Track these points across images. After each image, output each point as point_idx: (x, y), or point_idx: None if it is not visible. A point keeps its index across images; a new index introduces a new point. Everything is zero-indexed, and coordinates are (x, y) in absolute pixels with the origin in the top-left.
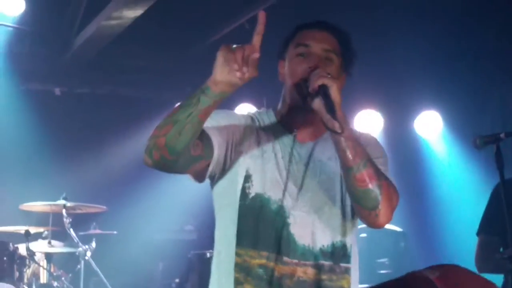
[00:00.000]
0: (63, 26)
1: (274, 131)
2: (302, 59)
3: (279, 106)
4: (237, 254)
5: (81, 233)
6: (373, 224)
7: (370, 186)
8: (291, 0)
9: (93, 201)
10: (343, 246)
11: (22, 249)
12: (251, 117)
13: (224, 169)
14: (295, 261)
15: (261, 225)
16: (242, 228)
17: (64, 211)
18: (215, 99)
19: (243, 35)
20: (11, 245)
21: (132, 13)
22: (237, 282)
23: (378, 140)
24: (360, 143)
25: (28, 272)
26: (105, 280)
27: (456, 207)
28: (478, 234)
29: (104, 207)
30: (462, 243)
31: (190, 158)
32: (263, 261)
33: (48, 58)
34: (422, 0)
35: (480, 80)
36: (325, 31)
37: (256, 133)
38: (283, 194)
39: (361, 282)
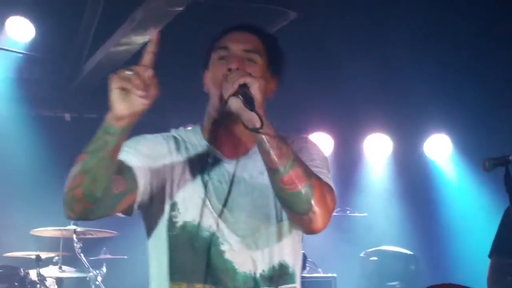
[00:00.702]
0: (73, 52)
1: (200, 150)
2: (223, 62)
3: (205, 121)
4: None
5: (92, 258)
6: (309, 229)
7: (299, 187)
8: (300, 23)
9: (103, 226)
10: (283, 266)
11: (33, 274)
12: (174, 137)
13: (151, 197)
14: None
15: (193, 256)
16: (174, 261)
17: (74, 236)
18: (122, 135)
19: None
20: (22, 270)
21: (141, 38)
22: None
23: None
24: (286, 142)
25: None
26: None
27: (466, 229)
28: (490, 256)
29: (115, 232)
30: (473, 265)
31: (114, 198)
32: None
33: (58, 84)
34: (431, 22)
35: (489, 102)
36: (246, 31)
37: (181, 155)
38: (214, 220)
39: None
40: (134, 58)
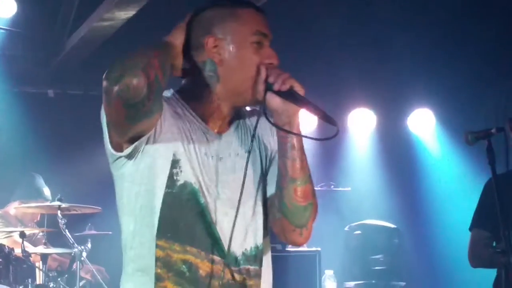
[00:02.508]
0: (55, 28)
1: (186, 116)
2: (257, 49)
3: (193, 90)
4: (158, 247)
5: (77, 234)
6: (295, 241)
7: (306, 203)
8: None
9: (87, 202)
10: (263, 249)
11: (17, 251)
12: (167, 98)
13: (145, 147)
14: (222, 262)
15: (189, 217)
16: (165, 219)
17: (59, 212)
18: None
19: None
20: (6, 247)
21: (124, 14)
22: (157, 278)
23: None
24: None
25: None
26: (101, 281)
27: (449, 203)
28: (470, 229)
29: (99, 208)
30: (455, 238)
31: (160, 104)
32: (188, 256)
33: (41, 60)
34: None
35: (473, 78)
36: (265, 16)
37: (172, 116)
38: (210, 189)
39: (356, 279)
40: (117, 34)
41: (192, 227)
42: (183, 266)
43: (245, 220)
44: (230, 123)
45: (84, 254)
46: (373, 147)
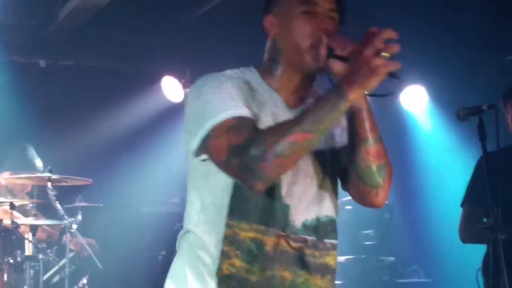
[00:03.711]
0: None
1: (265, 93)
2: (310, 18)
3: (266, 65)
4: (227, 226)
5: (67, 206)
6: (372, 202)
7: (378, 163)
8: None
9: (78, 174)
10: (330, 221)
11: (6, 221)
12: (243, 79)
13: None
14: (283, 233)
15: (255, 197)
16: (236, 198)
17: (49, 183)
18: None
19: (231, 8)
20: None
21: None
22: (225, 255)
23: None
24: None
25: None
26: (91, 253)
27: (440, 178)
28: (462, 205)
29: (90, 179)
30: (446, 214)
31: None
32: (255, 234)
33: (33, 29)
34: None
35: (466, 54)
36: None
37: (251, 94)
38: None
39: (346, 254)
40: (110, 5)
41: (260, 204)
42: (251, 243)
43: (310, 192)
44: (303, 99)
45: (74, 226)
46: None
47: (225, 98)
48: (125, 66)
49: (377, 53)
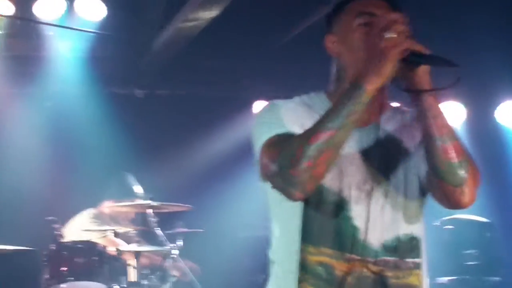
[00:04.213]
0: (143, 30)
1: None
2: (367, 30)
3: (332, 87)
4: (299, 251)
5: (168, 231)
6: (458, 202)
7: (458, 158)
8: None
9: (178, 200)
10: (411, 239)
11: (111, 249)
12: (306, 104)
13: None
14: (357, 257)
15: (322, 219)
16: (305, 222)
17: (150, 210)
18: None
19: (318, 33)
20: (100, 245)
21: (208, 14)
22: (299, 281)
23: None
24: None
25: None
26: (193, 278)
27: None
28: None
29: (189, 205)
30: None
31: None
32: (323, 258)
33: (129, 61)
34: None
35: None
36: (387, 1)
37: (313, 119)
38: (344, 184)
39: (449, 274)
40: (202, 34)
41: (325, 227)
42: (319, 268)
43: (386, 210)
44: (374, 115)
45: (176, 251)
46: (463, 139)
47: (272, 120)
48: (217, 92)
49: (381, 36)
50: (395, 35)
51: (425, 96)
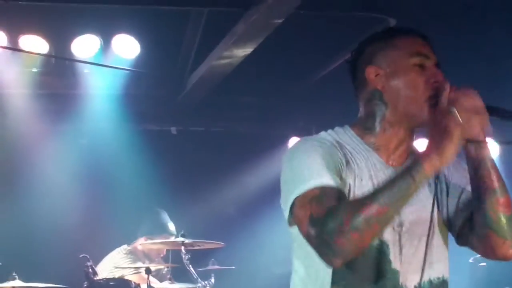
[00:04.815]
0: (177, 67)
1: (363, 153)
2: (422, 70)
3: (364, 122)
4: None
5: (200, 269)
6: (505, 255)
7: (510, 213)
8: None
9: (210, 237)
10: (442, 283)
11: (143, 286)
12: (337, 142)
13: None
14: None
15: (360, 262)
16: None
17: (182, 248)
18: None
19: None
20: (133, 283)
21: (242, 51)
22: None
23: None
24: None
25: None
26: None
27: None
28: None
29: (222, 243)
30: None
31: None
32: None
33: (164, 98)
34: None
35: None
36: (428, 41)
37: (345, 158)
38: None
39: None
40: (235, 71)
41: (368, 269)
42: None
43: (419, 254)
44: (403, 157)
45: None
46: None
47: (311, 165)
48: (252, 129)
49: (447, 111)
50: (461, 112)
51: (480, 149)
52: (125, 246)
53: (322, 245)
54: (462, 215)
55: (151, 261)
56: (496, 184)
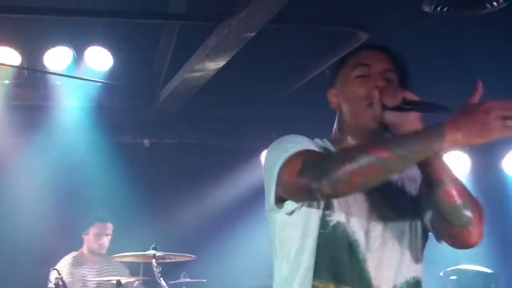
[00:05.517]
0: (149, 80)
1: None
2: (363, 80)
3: (335, 135)
4: (314, 287)
5: (171, 282)
6: (466, 243)
7: (461, 201)
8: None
9: (182, 250)
10: (417, 283)
11: None
12: (320, 147)
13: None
14: None
15: (342, 256)
16: (321, 259)
17: (153, 260)
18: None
19: (324, 82)
20: None
21: (214, 65)
22: None
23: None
24: None
25: None
26: None
27: None
28: None
29: (193, 255)
30: None
31: None
32: None
33: (136, 110)
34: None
35: None
36: (382, 51)
37: None
38: (360, 226)
39: None
40: (208, 84)
41: (344, 266)
42: None
43: (394, 255)
44: None
45: None
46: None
47: (294, 141)
48: (224, 142)
49: (501, 118)
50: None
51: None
52: (72, 253)
53: (316, 176)
54: (427, 211)
55: (95, 262)
56: (441, 175)
